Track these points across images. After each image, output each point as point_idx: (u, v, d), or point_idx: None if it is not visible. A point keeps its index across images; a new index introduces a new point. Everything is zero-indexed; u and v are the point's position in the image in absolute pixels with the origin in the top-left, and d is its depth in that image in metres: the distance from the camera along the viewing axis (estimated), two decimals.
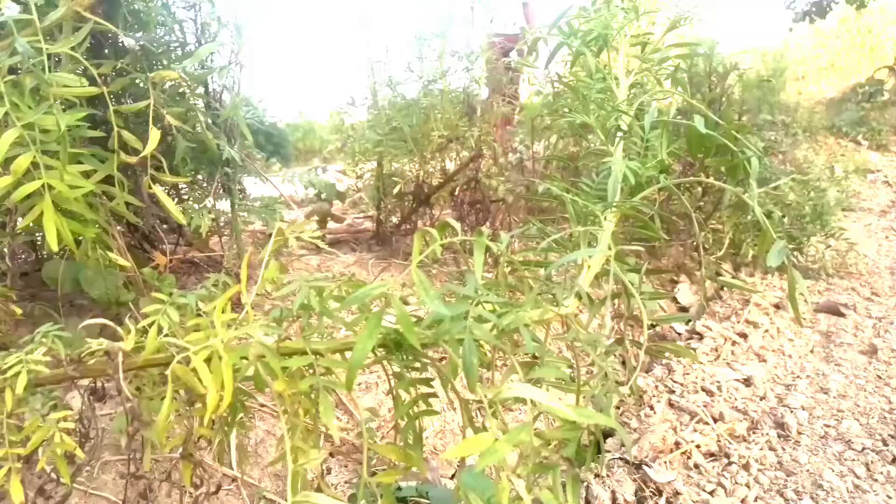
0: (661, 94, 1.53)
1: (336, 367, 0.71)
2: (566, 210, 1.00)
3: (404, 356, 0.75)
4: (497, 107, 1.97)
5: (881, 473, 1.53)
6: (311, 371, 0.71)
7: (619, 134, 0.97)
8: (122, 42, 0.96)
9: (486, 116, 1.92)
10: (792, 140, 7.99)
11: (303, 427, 0.71)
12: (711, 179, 1.75)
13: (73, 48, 0.82)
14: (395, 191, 2.11)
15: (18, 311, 1.07)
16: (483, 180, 1.98)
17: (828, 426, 1.76)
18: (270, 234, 1.89)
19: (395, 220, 2.33)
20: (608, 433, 1.70)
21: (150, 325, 0.73)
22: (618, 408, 1.80)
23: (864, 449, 1.64)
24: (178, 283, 1.62)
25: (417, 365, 0.78)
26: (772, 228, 2.69)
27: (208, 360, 0.65)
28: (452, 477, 1.43)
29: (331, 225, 2.49)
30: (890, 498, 1.43)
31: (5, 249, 1.04)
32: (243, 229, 1.70)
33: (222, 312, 0.70)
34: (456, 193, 2.02)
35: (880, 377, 2.07)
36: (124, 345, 0.69)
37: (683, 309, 2.60)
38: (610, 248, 0.83)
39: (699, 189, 2.82)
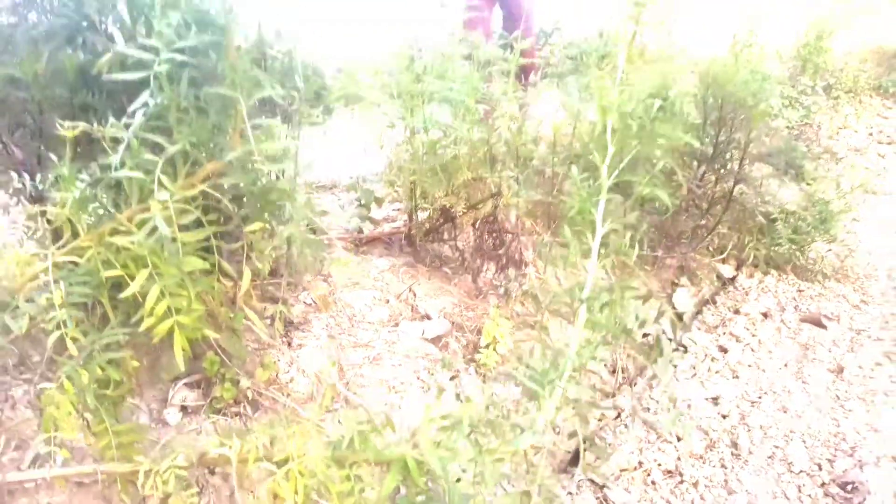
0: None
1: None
2: None
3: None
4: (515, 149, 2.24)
5: (808, 496, 1.88)
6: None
7: None
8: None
9: (506, 162, 2.20)
10: (833, 103, 7.90)
11: None
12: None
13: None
14: (426, 216, 2.43)
15: (136, 363, 1.44)
16: (500, 215, 2.29)
17: (777, 447, 2.09)
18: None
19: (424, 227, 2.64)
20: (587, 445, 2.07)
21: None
22: (600, 420, 2.16)
23: (800, 472, 1.97)
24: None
25: None
26: (774, 233, 2.98)
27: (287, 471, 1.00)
28: None
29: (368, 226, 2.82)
30: None
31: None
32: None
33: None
34: (476, 225, 2.33)
35: (839, 397, 2.37)
36: (233, 455, 1.05)
37: (679, 315, 2.91)
38: None
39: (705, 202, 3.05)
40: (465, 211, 2.34)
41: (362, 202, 2.72)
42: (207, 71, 1.12)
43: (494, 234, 2.34)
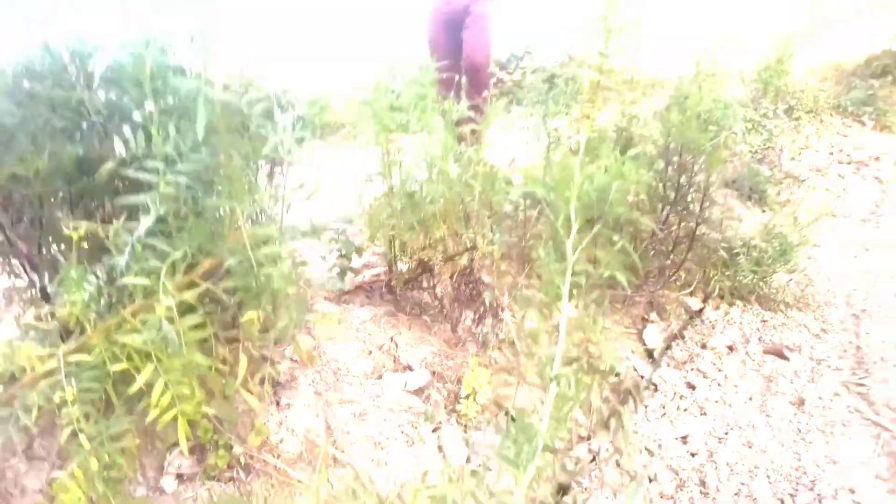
0: None
1: None
2: None
3: None
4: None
5: None
6: None
7: None
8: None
9: (480, 217, 2.32)
10: (795, 124, 8.17)
11: None
12: None
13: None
14: (405, 267, 2.55)
15: (137, 440, 1.52)
16: (476, 266, 2.40)
17: (742, 483, 2.21)
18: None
19: (404, 274, 2.75)
20: (565, 490, 2.18)
21: None
22: (576, 464, 2.27)
23: None
24: None
25: None
26: (737, 266, 3.12)
27: None
28: None
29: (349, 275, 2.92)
30: None
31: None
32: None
33: None
34: (453, 277, 2.44)
35: (800, 430, 2.51)
36: None
37: (649, 352, 3.04)
38: None
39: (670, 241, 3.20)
40: (442, 262, 2.45)
41: (343, 253, 2.82)
42: (205, 179, 1.22)
43: (471, 286, 2.45)
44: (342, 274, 2.86)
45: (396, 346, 2.49)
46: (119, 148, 1.16)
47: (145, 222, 1.13)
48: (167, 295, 1.15)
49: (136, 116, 1.11)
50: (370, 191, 2.60)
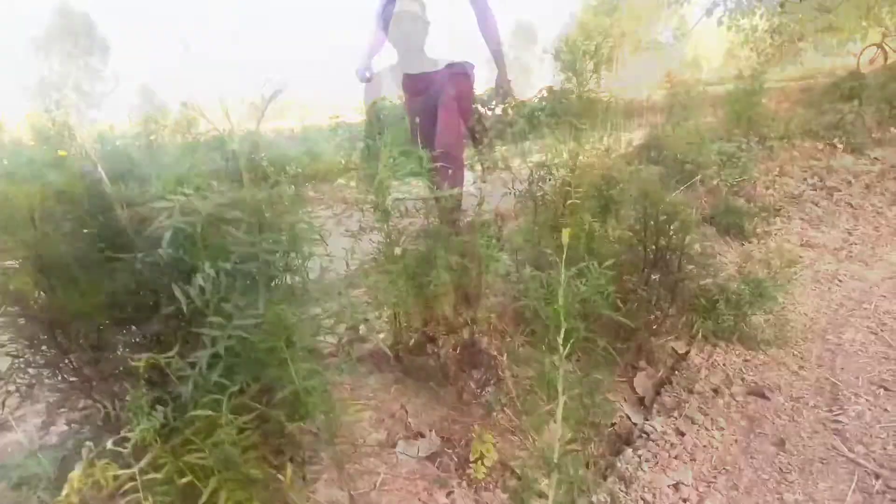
0: None
1: None
2: None
3: None
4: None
5: None
6: None
7: None
8: None
9: (479, 293, 2.56)
10: (768, 153, 8.49)
11: None
12: None
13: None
14: (411, 339, 2.77)
15: None
16: (476, 337, 2.63)
17: None
18: None
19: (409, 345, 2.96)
20: None
21: None
22: None
23: None
24: None
25: None
26: (716, 310, 3.37)
27: None
28: None
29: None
30: None
31: None
32: None
33: None
34: (456, 349, 2.67)
35: (782, 470, 2.73)
36: None
37: (640, 399, 3.27)
38: None
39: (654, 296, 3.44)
40: (445, 335, 2.68)
41: (352, 324, 3.04)
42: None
43: (474, 355, 2.68)
44: (351, 344, 3.07)
45: (407, 412, 2.70)
46: (178, 297, 1.38)
47: (208, 364, 1.35)
48: (229, 424, 1.37)
49: (198, 280, 1.33)
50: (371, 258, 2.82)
